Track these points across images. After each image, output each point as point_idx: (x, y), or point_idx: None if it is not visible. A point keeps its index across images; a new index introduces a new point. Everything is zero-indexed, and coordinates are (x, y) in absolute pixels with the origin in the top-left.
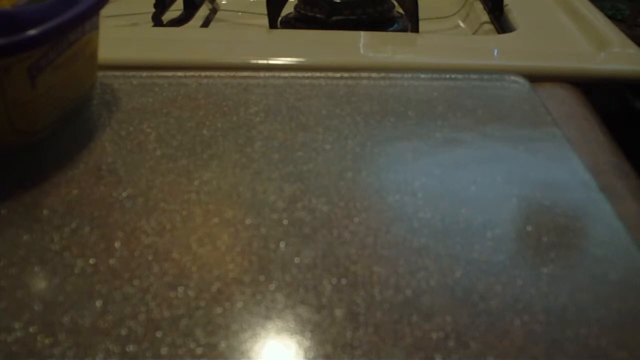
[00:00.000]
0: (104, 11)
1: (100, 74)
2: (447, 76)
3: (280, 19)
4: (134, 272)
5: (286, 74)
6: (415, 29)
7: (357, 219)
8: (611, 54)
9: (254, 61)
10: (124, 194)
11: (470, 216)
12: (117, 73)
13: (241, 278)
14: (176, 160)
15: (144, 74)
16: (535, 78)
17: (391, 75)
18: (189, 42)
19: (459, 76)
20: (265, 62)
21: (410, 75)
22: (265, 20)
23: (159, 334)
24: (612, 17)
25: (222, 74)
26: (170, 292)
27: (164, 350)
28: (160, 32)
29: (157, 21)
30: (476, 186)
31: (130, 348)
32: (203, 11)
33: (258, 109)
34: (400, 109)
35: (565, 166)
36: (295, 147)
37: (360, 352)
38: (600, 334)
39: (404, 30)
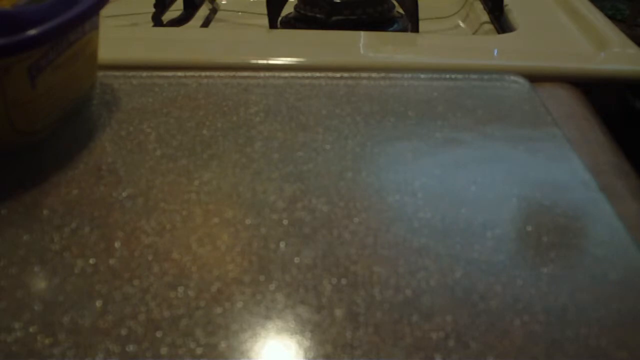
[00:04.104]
0: (104, 11)
1: (100, 74)
2: (447, 76)
3: (280, 19)
4: (134, 272)
5: (286, 74)
6: (415, 29)
7: (357, 219)
8: (611, 54)
9: (254, 61)
10: (124, 194)
11: (470, 216)
12: (117, 73)
13: (241, 278)
14: (176, 160)
15: (144, 74)
16: (535, 78)
17: (391, 75)
18: (189, 42)
19: (459, 76)
20: (265, 62)
21: (410, 75)
22: (265, 20)
23: (159, 334)
24: (612, 17)
25: (222, 74)
26: (170, 292)
27: (164, 350)
28: (160, 32)
29: (157, 21)
30: (476, 186)
31: (130, 348)
32: (203, 11)
33: (258, 109)
34: (400, 109)
35: (565, 166)
36: (295, 147)
37: (360, 352)
38: (600, 334)
39: (404, 30)
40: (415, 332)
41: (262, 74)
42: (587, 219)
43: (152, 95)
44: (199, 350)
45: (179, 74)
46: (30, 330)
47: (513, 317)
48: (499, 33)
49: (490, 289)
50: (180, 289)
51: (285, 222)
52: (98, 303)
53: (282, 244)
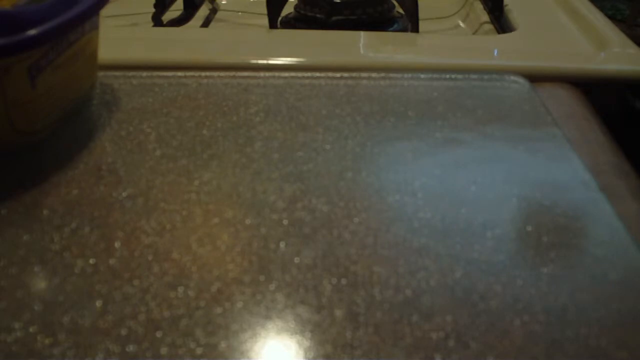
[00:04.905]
0: (104, 11)
1: (100, 74)
2: (447, 76)
3: (280, 19)
4: (134, 272)
5: (286, 74)
6: (415, 29)
7: (357, 219)
8: (611, 54)
9: (254, 61)
10: (124, 194)
11: (470, 216)
12: (117, 73)
13: (241, 278)
14: (176, 160)
15: (144, 74)
16: (535, 78)
17: (391, 75)
18: (189, 42)
19: (459, 76)
20: (265, 62)
21: (410, 75)
22: (265, 20)
23: (159, 334)
24: (612, 17)
25: (222, 74)
26: (170, 292)
27: (164, 350)
28: (160, 32)
29: (157, 21)
30: (476, 186)
31: (130, 348)
32: (203, 11)
33: (258, 109)
34: (400, 109)
35: (565, 166)
36: (295, 147)
37: (360, 352)
38: (600, 334)
39: (404, 30)
40: (415, 332)
41: (262, 74)
42: (587, 219)
43: (152, 95)
44: (199, 350)
45: (179, 74)
46: (30, 330)
47: (513, 317)
48: (499, 33)
49: (490, 289)
50: (180, 289)
51: (285, 222)
52: (98, 303)
53: (282, 244)
